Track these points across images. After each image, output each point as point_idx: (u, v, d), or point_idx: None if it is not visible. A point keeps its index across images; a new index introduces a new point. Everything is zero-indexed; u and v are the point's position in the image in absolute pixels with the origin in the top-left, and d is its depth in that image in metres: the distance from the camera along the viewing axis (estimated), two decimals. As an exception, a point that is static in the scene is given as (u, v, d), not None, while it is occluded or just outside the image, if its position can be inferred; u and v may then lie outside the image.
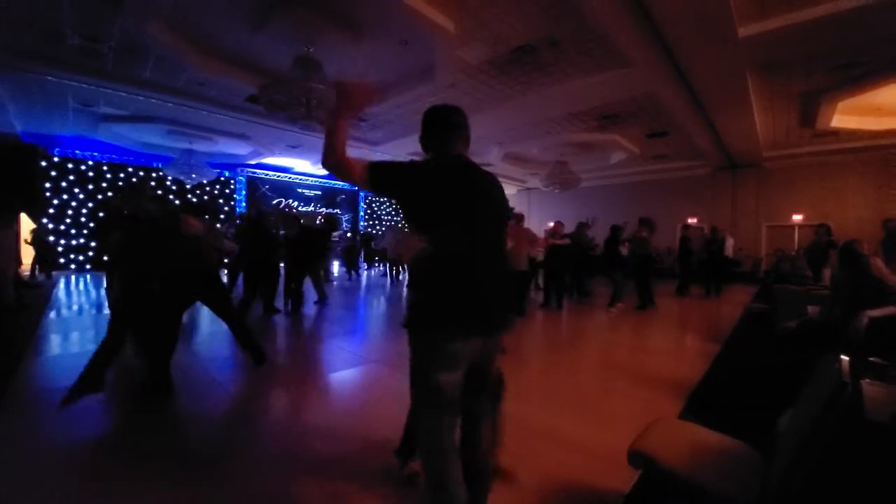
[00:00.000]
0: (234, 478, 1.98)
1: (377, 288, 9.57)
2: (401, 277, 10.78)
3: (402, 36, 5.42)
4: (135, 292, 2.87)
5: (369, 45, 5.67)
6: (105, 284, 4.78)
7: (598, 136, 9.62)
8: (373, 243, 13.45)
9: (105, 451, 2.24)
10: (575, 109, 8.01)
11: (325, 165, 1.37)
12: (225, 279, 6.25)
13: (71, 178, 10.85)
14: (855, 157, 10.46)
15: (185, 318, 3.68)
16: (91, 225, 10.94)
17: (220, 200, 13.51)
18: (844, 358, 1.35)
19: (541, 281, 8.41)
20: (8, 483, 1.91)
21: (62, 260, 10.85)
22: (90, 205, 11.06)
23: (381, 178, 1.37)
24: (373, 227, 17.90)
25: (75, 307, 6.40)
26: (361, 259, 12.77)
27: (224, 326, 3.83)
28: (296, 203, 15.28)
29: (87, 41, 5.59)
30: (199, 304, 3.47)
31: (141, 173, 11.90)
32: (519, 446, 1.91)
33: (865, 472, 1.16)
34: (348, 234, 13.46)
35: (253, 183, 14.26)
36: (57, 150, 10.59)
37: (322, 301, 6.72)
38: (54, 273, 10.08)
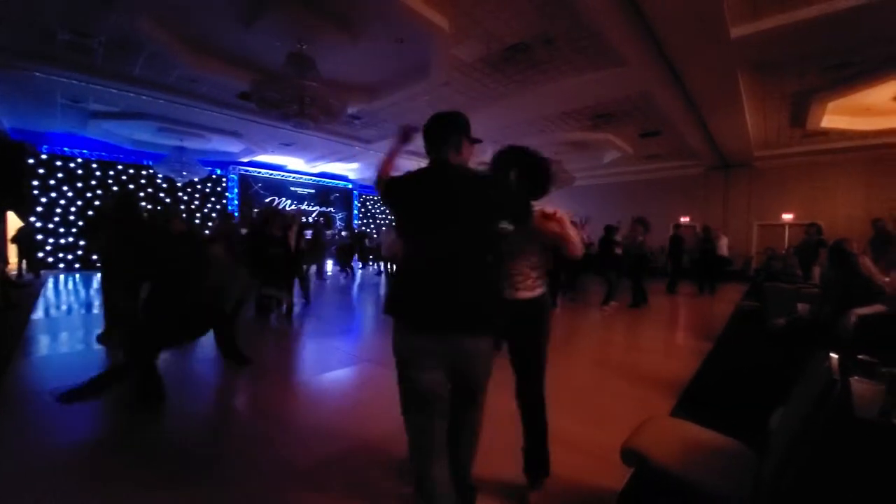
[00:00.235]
0: (230, 479, 1.96)
1: (371, 287, 9.55)
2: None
3: (396, 34, 5.39)
4: (165, 300, 2.83)
5: (363, 42, 5.63)
6: (103, 290, 4.53)
7: (592, 136, 9.66)
8: (367, 241, 13.39)
9: (97, 452, 2.21)
10: (569, 108, 8.03)
11: (375, 188, 1.71)
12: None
13: (59, 175, 10.69)
14: (844, 156, 10.58)
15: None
16: (80, 223, 10.78)
17: (213, 199, 13.37)
18: (834, 356, 1.37)
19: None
20: (-5, 485, 1.89)
21: (50, 259, 10.69)
22: (79, 203, 10.91)
23: (385, 193, 1.60)
24: (367, 225, 17.85)
25: (64, 307, 6.32)
26: (355, 258, 12.70)
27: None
28: (288, 202, 15.17)
29: (76, 36, 5.50)
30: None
31: (131, 171, 11.75)
32: (513, 444, 1.91)
33: (855, 469, 1.17)
34: (343, 233, 13.36)
35: (245, 181, 14.12)
36: (45, 147, 10.42)
37: (307, 301, 6.68)
38: (43, 272, 9.94)
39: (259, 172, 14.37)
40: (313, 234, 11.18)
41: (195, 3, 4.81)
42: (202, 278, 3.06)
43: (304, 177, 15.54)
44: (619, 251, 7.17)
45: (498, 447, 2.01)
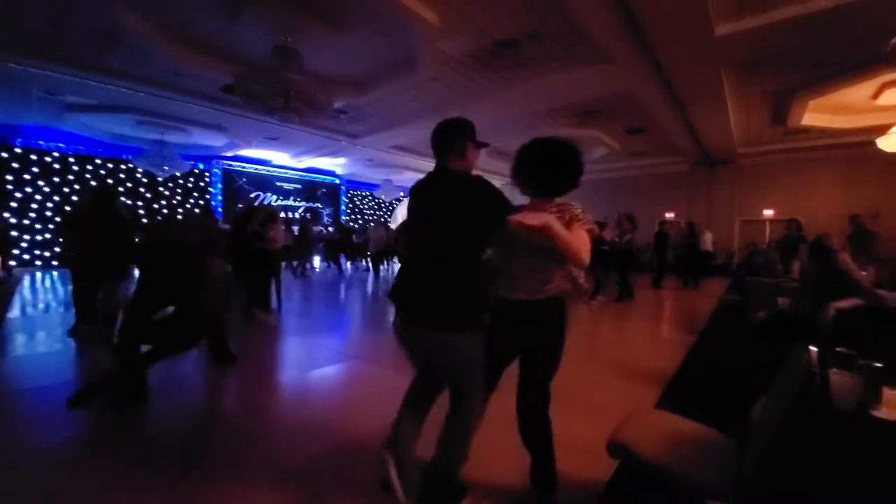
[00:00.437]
0: (216, 478, 1.93)
1: (358, 283, 9.49)
2: (381, 273, 10.69)
3: (382, 27, 5.32)
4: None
5: (350, 35, 5.55)
6: (73, 284, 4.35)
7: (580, 132, 9.71)
8: (354, 237, 13.27)
9: (78, 452, 2.16)
10: (556, 104, 8.05)
11: None
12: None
13: (35, 170, 10.32)
14: (824, 154, 10.84)
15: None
16: (57, 220, 10.45)
17: (195, 194, 13.08)
18: (813, 349, 1.40)
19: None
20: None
21: (27, 256, 10.35)
22: (56, 198, 10.57)
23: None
24: (355, 221, 17.68)
25: (41, 305, 6.13)
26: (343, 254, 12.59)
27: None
28: (274, 197, 14.94)
29: (51, 26, 5.30)
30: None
31: (110, 165, 11.42)
32: (501, 438, 1.92)
33: (834, 459, 1.20)
34: (330, 229, 13.20)
35: (229, 176, 13.82)
36: (19, 140, 10.05)
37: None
38: (19, 270, 9.63)
39: (243, 167, 14.09)
40: (300, 230, 11.08)
41: (175, -8, 4.68)
42: (206, 298, 3.02)
43: (290, 172, 15.29)
44: (606, 248, 7.26)
45: (496, 447, 2.01)
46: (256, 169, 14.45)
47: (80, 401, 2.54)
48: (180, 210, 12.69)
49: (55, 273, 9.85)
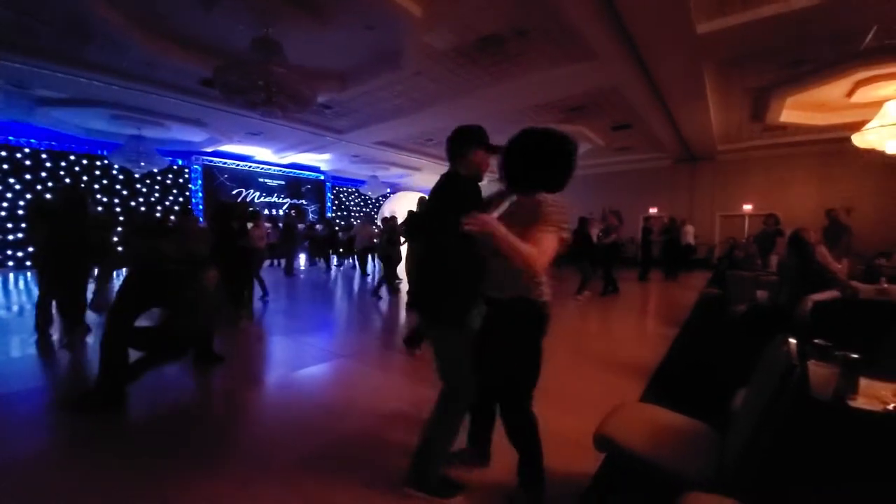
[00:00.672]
0: (203, 479, 1.90)
1: (344, 281, 9.40)
2: (368, 270, 10.61)
3: (366, 19, 5.24)
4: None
5: (332, 27, 5.45)
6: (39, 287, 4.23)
7: (566, 128, 9.76)
8: (340, 234, 13.12)
9: (56, 458, 2.08)
10: (542, 100, 8.06)
11: None
12: None
13: (5, 167, 9.92)
14: (801, 150, 11.13)
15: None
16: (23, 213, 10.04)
17: (174, 191, 12.74)
18: (792, 341, 1.43)
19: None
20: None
21: (-3, 256, 9.96)
22: (28, 196, 10.17)
23: None
24: (341, 217, 17.49)
25: (14, 307, 5.91)
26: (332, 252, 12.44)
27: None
28: (257, 194, 14.66)
29: (19, 15, 5.07)
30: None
31: (84, 161, 11.04)
32: (496, 437, 1.92)
33: (814, 448, 1.22)
34: (317, 227, 12.98)
35: (210, 172, 13.47)
36: (-13, 135, 9.66)
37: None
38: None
39: (224, 163, 13.75)
40: (285, 228, 10.90)
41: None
42: (198, 310, 2.95)
43: (274, 168, 15.00)
44: (595, 241, 7.35)
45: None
46: (238, 165, 14.13)
47: (81, 405, 2.52)
48: (159, 207, 12.36)
49: (28, 274, 9.51)
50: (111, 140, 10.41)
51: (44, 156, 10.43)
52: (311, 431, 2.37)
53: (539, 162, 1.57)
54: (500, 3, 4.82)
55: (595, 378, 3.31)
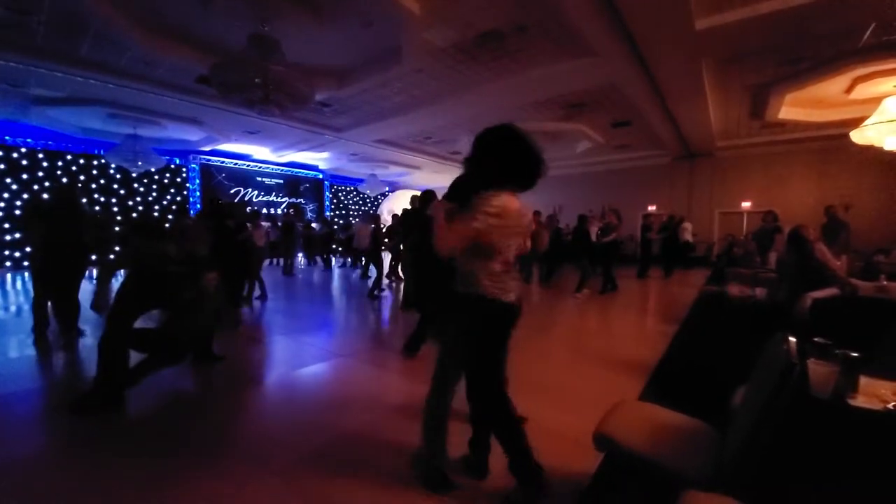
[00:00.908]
0: (203, 479, 1.89)
1: (342, 280, 9.39)
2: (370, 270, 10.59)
3: (365, 16, 5.22)
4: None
5: (331, 23, 5.42)
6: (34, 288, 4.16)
7: (565, 125, 9.74)
8: (338, 233, 13.09)
9: (54, 458, 2.07)
10: (542, 97, 8.04)
11: None
12: None
13: (1, 167, 9.86)
14: (799, 146, 11.12)
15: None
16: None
17: (172, 190, 12.69)
18: (792, 339, 1.42)
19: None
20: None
21: (-6, 256, 9.92)
22: (25, 196, 10.12)
23: None
24: (340, 216, 17.46)
25: (13, 307, 5.89)
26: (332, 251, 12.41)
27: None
28: (255, 192, 14.62)
29: (13, 13, 5.03)
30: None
31: (81, 161, 10.99)
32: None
33: (813, 447, 1.22)
34: (314, 225, 12.96)
35: (208, 171, 13.41)
36: (-17, 135, 9.61)
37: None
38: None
39: (222, 162, 13.71)
40: (284, 227, 10.87)
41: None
42: (199, 314, 2.95)
43: (272, 167, 14.96)
44: (594, 239, 7.36)
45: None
46: (236, 164, 14.08)
47: (81, 406, 2.52)
48: (157, 207, 12.32)
49: (26, 274, 9.48)
50: (108, 139, 10.37)
51: (40, 155, 10.39)
52: (310, 430, 2.36)
53: (487, 155, 1.62)
54: (499, 1, 4.80)
55: (594, 376, 3.31)
